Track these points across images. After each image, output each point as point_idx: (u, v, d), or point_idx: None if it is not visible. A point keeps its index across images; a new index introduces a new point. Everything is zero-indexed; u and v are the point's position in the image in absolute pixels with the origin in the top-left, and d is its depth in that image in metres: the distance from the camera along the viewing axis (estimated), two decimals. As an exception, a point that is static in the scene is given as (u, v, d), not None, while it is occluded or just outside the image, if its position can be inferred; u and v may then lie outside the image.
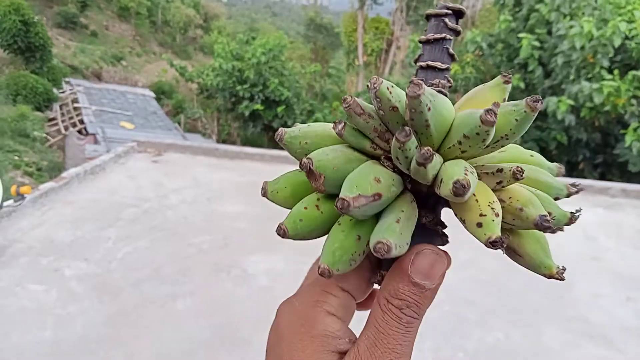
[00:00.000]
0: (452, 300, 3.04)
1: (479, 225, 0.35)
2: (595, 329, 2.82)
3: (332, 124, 0.43)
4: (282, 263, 3.42)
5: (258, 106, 11.35)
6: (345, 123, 0.42)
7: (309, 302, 0.39)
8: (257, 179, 5.20)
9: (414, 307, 0.36)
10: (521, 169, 0.37)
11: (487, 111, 0.33)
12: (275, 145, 12.02)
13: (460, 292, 3.15)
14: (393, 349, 0.36)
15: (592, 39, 6.82)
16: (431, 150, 0.33)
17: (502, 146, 0.39)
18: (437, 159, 0.35)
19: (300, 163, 0.38)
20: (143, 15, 27.59)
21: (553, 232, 0.41)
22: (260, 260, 3.42)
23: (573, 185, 0.44)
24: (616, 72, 6.79)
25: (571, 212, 0.40)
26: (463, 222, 0.37)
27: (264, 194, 0.43)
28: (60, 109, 14.20)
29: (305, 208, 0.40)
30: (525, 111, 0.36)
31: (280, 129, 0.44)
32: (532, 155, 0.48)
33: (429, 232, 0.43)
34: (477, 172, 0.38)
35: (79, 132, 11.47)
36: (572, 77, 7.13)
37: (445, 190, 0.33)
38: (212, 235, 3.75)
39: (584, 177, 7.20)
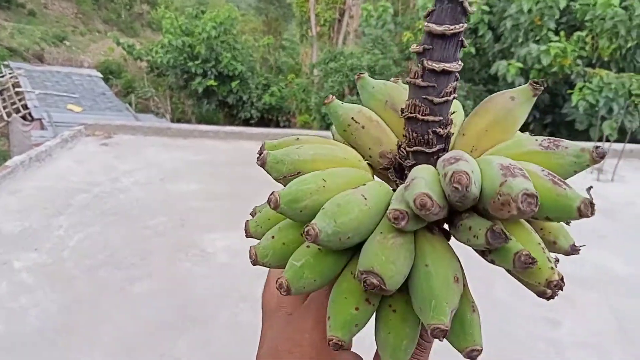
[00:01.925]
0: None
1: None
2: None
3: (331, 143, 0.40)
4: (241, 240, 3.39)
5: (211, 82, 11.07)
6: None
7: (320, 342, 0.36)
8: (213, 156, 5.12)
9: None
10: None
11: (418, 208, 0.29)
12: (231, 121, 11.82)
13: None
14: None
15: (538, 1, 6.94)
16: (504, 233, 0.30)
17: None
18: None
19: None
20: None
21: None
22: (219, 238, 3.38)
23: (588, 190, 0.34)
24: (562, 33, 6.96)
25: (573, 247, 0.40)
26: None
27: (247, 234, 0.40)
28: (1, 94, 13.42)
29: (357, 309, 0.33)
30: (587, 164, 0.34)
31: (265, 152, 0.37)
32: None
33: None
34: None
35: (24, 117, 10.91)
36: (520, 40, 7.27)
37: (505, 262, 0.31)
38: (167, 216, 3.68)
39: (533, 134, 7.41)
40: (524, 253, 0.29)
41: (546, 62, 6.80)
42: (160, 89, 14.14)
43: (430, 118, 0.35)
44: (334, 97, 0.40)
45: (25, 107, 11.27)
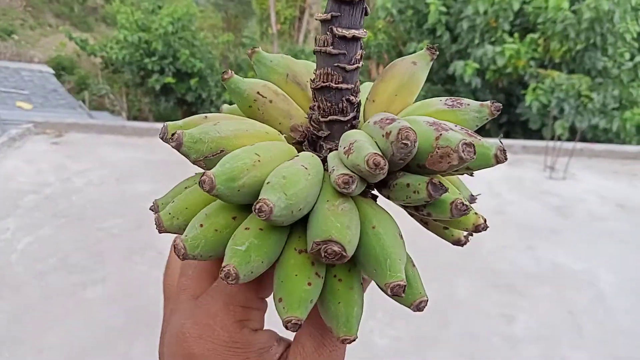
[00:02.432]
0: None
1: (446, 228, 0.39)
2: (501, 277, 3.03)
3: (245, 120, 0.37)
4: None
5: (169, 79, 10.82)
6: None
7: (233, 325, 0.34)
8: (169, 156, 4.99)
9: None
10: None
11: (370, 168, 0.30)
12: (190, 119, 11.60)
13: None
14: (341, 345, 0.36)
15: (493, 3, 7.12)
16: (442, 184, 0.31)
17: None
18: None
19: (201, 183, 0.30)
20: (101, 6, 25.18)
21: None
22: (177, 240, 3.30)
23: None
24: (516, 35, 7.17)
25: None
26: (425, 223, 0.39)
27: (160, 229, 0.36)
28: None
29: (310, 284, 0.32)
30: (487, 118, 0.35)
31: (170, 126, 0.35)
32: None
33: None
34: None
35: (-32, 115, 10.38)
36: (476, 41, 7.44)
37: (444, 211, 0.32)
38: (123, 217, 3.56)
39: (490, 137, 7.62)
40: (458, 201, 0.31)
41: (501, 63, 6.99)
42: (115, 86, 13.73)
43: (344, 86, 0.35)
44: (233, 72, 0.37)
45: (-30, 103, 10.72)
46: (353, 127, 0.37)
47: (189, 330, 0.34)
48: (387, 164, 0.29)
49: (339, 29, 0.33)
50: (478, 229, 0.35)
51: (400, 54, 10.12)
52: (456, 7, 7.72)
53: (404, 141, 0.29)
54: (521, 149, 5.33)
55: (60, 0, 26.51)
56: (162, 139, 0.33)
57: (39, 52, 19.40)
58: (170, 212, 0.35)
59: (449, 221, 0.35)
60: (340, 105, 0.36)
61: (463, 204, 0.31)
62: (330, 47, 0.34)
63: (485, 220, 0.35)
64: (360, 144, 0.30)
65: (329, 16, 0.33)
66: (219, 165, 0.30)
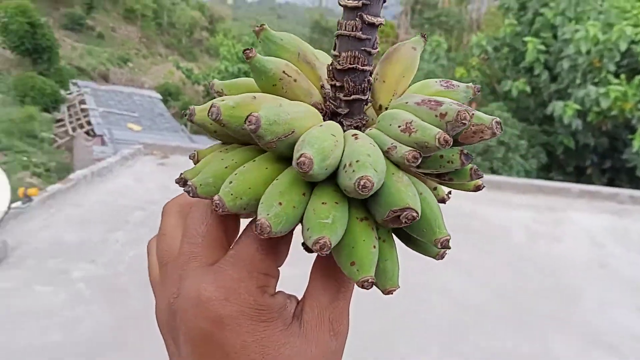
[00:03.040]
0: (460, 306, 3.04)
1: (435, 189, 0.42)
2: (603, 337, 2.82)
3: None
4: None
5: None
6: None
7: (257, 291, 0.35)
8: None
9: None
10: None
11: (438, 145, 0.33)
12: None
13: (468, 298, 3.15)
14: (348, 299, 0.39)
15: (597, 43, 6.81)
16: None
17: None
18: None
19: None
20: (149, 17, 27.72)
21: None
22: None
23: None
24: (623, 76, 6.77)
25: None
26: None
27: (223, 209, 0.34)
28: (68, 110, 14.27)
29: (374, 247, 0.35)
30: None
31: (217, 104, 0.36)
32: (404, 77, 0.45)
33: None
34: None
35: (87, 133, 11.53)
36: (578, 82, 7.12)
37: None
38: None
39: (592, 183, 7.17)
40: (474, 168, 0.37)
41: (605, 105, 6.61)
42: (214, 112, 14.60)
43: (367, 68, 0.38)
44: (255, 50, 0.38)
45: (89, 123, 11.90)
46: (366, 104, 0.41)
47: (214, 293, 0.34)
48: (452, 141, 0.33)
49: (369, 17, 0.37)
50: (479, 188, 0.41)
51: (494, 92, 9.90)
52: (556, 45, 7.46)
53: (462, 121, 0.33)
54: (628, 199, 4.97)
55: (170, 33, 28.90)
56: (216, 119, 0.34)
57: (149, 79, 21.16)
58: (232, 192, 0.34)
59: (457, 184, 0.40)
60: (362, 85, 0.39)
61: (478, 169, 0.38)
62: (360, 32, 0.37)
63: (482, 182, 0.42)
64: (421, 124, 0.34)
65: (359, 4, 0.36)
66: (308, 145, 0.31)
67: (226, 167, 0.37)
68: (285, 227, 0.33)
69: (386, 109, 0.41)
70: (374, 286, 0.34)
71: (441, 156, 0.35)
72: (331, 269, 0.37)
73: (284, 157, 0.36)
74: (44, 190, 5.46)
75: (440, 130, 0.33)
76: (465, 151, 0.35)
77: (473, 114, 0.34)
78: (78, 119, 12.72)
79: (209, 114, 0.34)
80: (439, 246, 0.35)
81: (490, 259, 3.49)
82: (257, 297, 0.35)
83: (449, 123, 0.33)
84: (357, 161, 0.32)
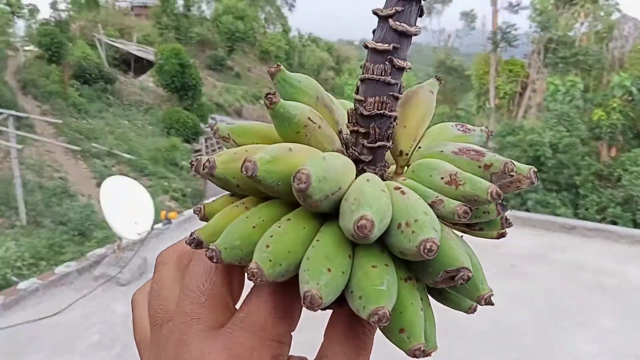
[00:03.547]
0: None
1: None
2: None
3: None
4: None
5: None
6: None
7: None
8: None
9: None
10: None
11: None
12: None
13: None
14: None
15: None
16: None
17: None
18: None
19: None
20: (281, 58, 29.73)
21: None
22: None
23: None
24: None
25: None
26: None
27: (262, 279, 0.30)
28: (205, 141, 15.80)
29: (422, 309, 0.33)
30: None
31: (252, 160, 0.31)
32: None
33: None
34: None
35: (219, 163, 12.59)
36: None
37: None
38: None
39: None
40: (505, 217, 0.36)
41: None
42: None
43: (394, 114, 0.37)
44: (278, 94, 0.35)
45: (222, 154, 12.99)
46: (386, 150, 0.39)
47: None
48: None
49: (399, 61, 0.35)
50: (503, 235, 0.39)
51: (638, 136, 8.97)
52: None
53: (510, 173, 0.32)
54: None
55: (299, 72, 30.69)
56: (251, 176, 0.30)
57: (277, 115, 22.56)
58: (270, 258, 0.30)
59: (484, 233, 0.39)
60: (388, 132, 0.37)
61: (508, 219, 0.37)
62: (389, 76, 0.35)
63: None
64: (468, 176, 0.33)
65: (390, 47, 0.34)
66: (366, 206, 0.29)
67: (254, 227, 0.33)
68: (334, 296, 0.30)
69: (407, 154, 0.40)
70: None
71: (477, 207, 0.34)
72: (350, 330, 0.34)
73: (319, 214, 0.33)
74: (181, 214, 6.06)
75: (491, 183, 0.32)
76: (500, 202, 0.34)
77: (513, 162, 0.33)
78: (213, 150, 13.98)
79: (243, 169, 0.30)
80: (483, 303, 0.34)
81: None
82: None
83: (494, 175, 0.33)
84: (415, 221, 0.29)
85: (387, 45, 0.34)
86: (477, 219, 0.35)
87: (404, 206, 0.31)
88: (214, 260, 0.31)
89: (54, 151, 11.36)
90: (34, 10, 17.48)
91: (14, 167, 7.65)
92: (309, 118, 0.36)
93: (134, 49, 19.86)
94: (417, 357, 0.31)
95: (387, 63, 0.35)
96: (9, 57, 15.31)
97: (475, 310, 0.38)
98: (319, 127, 0.36)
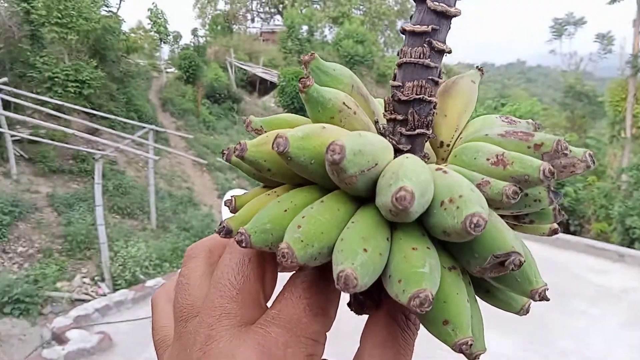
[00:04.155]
0: None
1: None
2: None
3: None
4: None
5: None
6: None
7: (304, 359, 0.30)
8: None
9: None
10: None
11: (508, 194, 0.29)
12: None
13: None
14: None
15: None
16: None
17: None
18: None
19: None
20: (398, 80, 29.79)
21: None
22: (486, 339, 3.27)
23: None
24: None
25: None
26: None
27: (292, 261, 0.28)
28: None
29: (468, 301, 0.30)
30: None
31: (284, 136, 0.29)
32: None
33: None
34: None
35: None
36: None
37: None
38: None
39: None
40: (558, 208, 0.34)
41: None
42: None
43: (434, 99, 0.34)
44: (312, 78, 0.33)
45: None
46: (426, 140, 0.36)
47: (252, 357, 0.29)
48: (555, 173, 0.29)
49: (439, 43, 0.33)
50: (556, 232, 0.37)
51: None
52: None
53: (563, 151, 0.30)
54: None
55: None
56: (282, 152, 0.28)
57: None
58: (302, 239, 0.28)
59: (533, 228, 0.37)
60: (428, 118, 0.34)
61: (561, 210, 0.34)
62: (428, 59, 0.33)
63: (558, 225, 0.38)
64: (517, 155, 0.30)
65: (429, 28, 0.32)
66: (405, 178, 0.26)
67: (285, 211, 0.31)
68: (371, 279, 0.27)
69: (448, 145, 0.37)
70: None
71: (527, 194, 0.31)
72: (389, 334, 0.32)
73: (355, 197, 0.31)
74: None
75: (543, 162, 0.29)
76: (552, 188, 0.32)
77: (567, 144, 0.31)
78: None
79: (275, 145, 0.28)
80: (537, 298, 0.30)
81: None
82: None
83: (546, 154, 0.30)
84: (460, 196, 0.27)
85: (425, 27, 0.32)
86: (527, 208, 0.32)
87: (446, 184, 0.28)
88: (243, 245, 0.29)
89: (184, 163, 12.46)
90: (177, 37, 19.46)
91: (150, 176, 8.52)
92: (343, 103, 0.34)
93: (259, 71, 21.21)
94: (464, 353, 0.28)
95: (425, 45, 0.33)
96: (154, 77, 17.16)
97: (528, 311, 0.35)
98: (354, 112, 0.35)
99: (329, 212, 0.30)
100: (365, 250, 0.27)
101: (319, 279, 0.31)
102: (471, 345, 0.27)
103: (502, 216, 0.31)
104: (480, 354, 0.30)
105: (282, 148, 0.28)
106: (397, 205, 0.25)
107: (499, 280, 0.31)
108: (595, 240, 7.55)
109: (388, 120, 0.35)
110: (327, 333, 0.32)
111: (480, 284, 0.33)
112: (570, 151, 0.31)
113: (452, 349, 0.28)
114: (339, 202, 0.30)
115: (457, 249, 0.30)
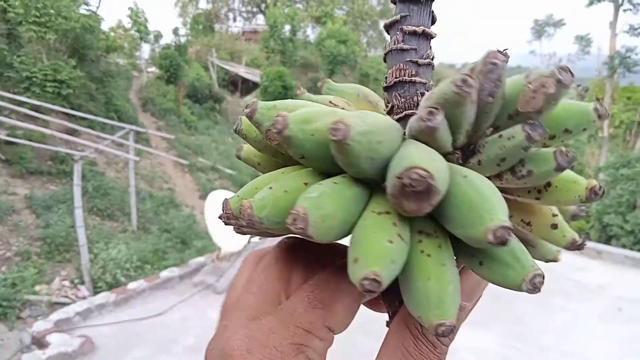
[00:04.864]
0: None
1: (554, 226, 0.32)
2: None
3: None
4: (494, 343, 3.22)
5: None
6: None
7: (289, 347, 0.29)
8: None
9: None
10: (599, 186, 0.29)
11: (457, 85, 0.26)
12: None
13: None
14: None
15: None
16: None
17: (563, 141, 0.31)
18: None
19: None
20: (380, 80, 29.96)
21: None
22: (467, 335, 3.31)
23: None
24: None
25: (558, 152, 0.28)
26: (528, 224, 0.33)
27: (250, 218, 0.28)
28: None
29: (391, 242, 0.26)
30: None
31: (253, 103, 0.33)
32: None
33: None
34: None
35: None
36: None
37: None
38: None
39: None
40: (563, 148, 0.27)
41: None
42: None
43: (418, 79, 0.33)
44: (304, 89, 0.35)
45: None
46: None
47: (237, 343, 0.29)
48: (477, 81, 0.26)
49: (409, 26, 0.33)
50: (595, 192, 0.29)
51: None
52: None
53: (492, 61, 0.26)
54: None
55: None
56: (280, 132, 0.28)
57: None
58: (239, 194, 0.30)
59: (558, 195, 0.30)
60: (415, 99, 0.33)
61: (567, 152, 0.27)
62: (402, 43, 0.33)
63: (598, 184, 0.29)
64: (440, 84, 0.28)
65: (398, 17, 0.33)
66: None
67: (270, 188, 0.30)
68: (271, 214, 0.27)
69: None
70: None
71: (500, 135, 0.28)
72: (400, 343, 0.31)
73: (363, 181, 0.30)
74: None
75: (465, 74, 0.26)
76: (530, 121, 0.27)
77: (529, 73, 0.28)
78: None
79: (274, 125, 0.28)
80: (492, 239, 0.24)
81: None
82: (286, 355, 0.29)
83: (479, 73, 0.27)
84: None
85: (395, 17, 0.34)
86: (502, 153, 0.28)
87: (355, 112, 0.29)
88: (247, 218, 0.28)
89: (165, 164, 12.33)
90: (158, 36, 19.24)
91: (130, 177, 8.41)
92: (330, 102, 0.37)
93: (242, 71, 21.10)
94: (365, 289, 0.24)
95: (398, 32, 0.33)
96: (134, 77, 16.95)
97: (535, 286, 0.27)
98: (342, 109, 0.36)
99: (343, 192, 0.28)
100: (270, 187, 0.28)
101: (331, 277, 0.31)
102: (374, 279, 0.24)
103: (500, 176, 0.29)
104: (443, 324, 0.25)
105: (281, 126, 0.28)
106: (411, 183, 0.24)
107: (448, 222, 0.27)
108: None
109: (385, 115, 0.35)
110: (339, 332, 0.32)
111: (473, 254, 0.29)
112: (495, 61, 0.26)
113: (356, 284, 0.24)
114: (351, 186, 0.29)
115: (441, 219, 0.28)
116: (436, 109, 0.26)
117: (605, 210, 7.84)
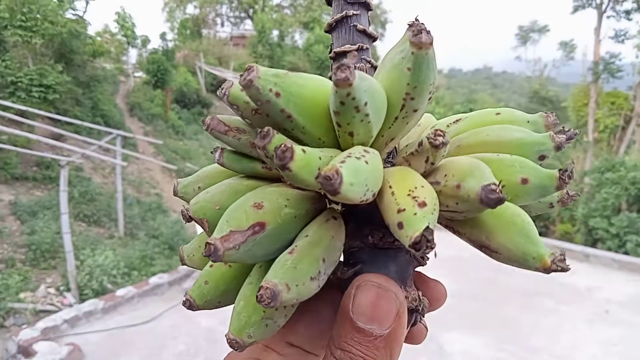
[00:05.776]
0: None
1: (400, 226, 0.25)
2: None
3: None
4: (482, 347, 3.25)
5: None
6: (221, 149, 0.35)
7: None
8: (461, 251, 5.10)
9: None
10: (440, 132, 0.26)
11: (339, 68, 0.24)
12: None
13: None
14: None
15: None
16: (288, 144, 0.24)
17: (416, 110, 0.29)
18: (307, 154, 0.25)
19: (182, 213, 0.32)
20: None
21: (551, 206, 0.35)
22: (458, 339, 3.32)
23: (560, 132, 0.31)
24: None
25: (560, 170, 0.28)
26: (389, 227, 0.27)
27: (182, 262, 0.36)
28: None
29: (211, 266, 0.32)
30: (413, 52, 0.26)
31: (176, 180, 0.38)
32: (498, 113, 0.38)
33: (387, 253, 0.31)
34: (402, 155, 0.30)
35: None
36: None
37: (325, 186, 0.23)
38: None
39: None
40: (490, 184, 0.25)
41: None
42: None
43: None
44: None
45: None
46: None
47: None
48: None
49: (330, 55, 0.39)
50: (415, 248, 0.24)
51: None
52: None
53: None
54: None
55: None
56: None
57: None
58: (191, 245, 0.37)
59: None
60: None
61: (494, 186, 0.24)
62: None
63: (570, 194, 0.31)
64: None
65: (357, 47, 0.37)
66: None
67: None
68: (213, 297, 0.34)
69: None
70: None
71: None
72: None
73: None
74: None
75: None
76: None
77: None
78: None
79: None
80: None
81: None
82: None
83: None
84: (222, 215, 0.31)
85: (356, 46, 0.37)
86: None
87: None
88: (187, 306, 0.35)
89: (153, 169, 12.24)
90: (145, 41, 19.14)
91: (117, 183, 8.33)
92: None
93: (230, 76, 21.05)
94: (213, 254, 0.27)
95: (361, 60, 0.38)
96: (121, 82, 16.82)
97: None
98: None
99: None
100: (210, 266, 0.35)
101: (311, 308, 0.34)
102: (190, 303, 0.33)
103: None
104: (234, 340, 0.30)
105: (174, 191, 0.38)
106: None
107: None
108: (561, 241, 7.77)
109: None
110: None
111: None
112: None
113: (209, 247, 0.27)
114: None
115: None
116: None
117: (591, 214, 7.94)
